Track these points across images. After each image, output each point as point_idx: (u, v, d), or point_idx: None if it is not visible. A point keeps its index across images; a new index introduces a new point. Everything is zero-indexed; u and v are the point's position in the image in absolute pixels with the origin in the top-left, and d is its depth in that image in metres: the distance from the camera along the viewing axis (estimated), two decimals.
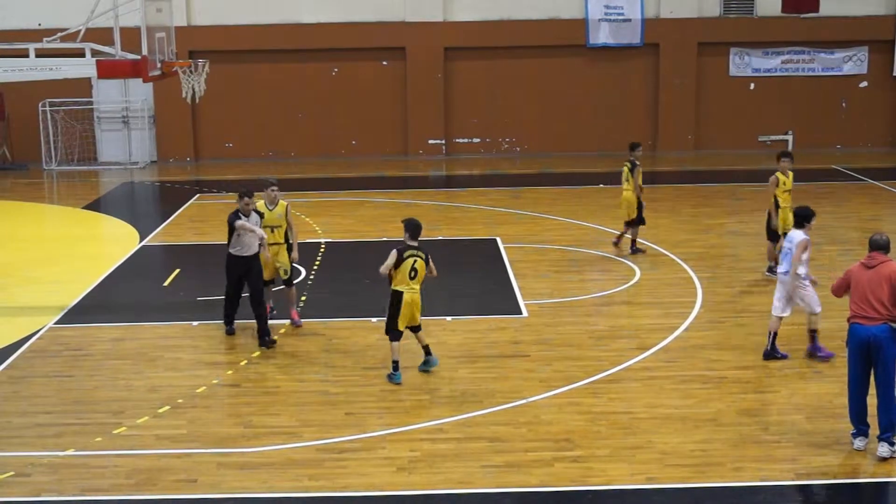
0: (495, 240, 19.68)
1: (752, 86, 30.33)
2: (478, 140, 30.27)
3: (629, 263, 17.83)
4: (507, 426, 11.28)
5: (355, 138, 30.04)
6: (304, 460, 10.48)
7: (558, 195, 24.35)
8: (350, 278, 17.35)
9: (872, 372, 10.47)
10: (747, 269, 17.78)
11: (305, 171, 27.93)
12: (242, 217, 13.71)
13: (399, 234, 13.11)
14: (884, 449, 10.35)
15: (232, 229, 13.74)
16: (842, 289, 10.94)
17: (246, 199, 13.83)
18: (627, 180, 18.24)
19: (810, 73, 30.40)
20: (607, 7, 29.46)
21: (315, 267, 17.90)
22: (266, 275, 14.32)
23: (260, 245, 13.85)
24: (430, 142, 29.95)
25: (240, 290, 14.15)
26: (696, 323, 14.72)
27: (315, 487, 9.89)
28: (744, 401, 11.95)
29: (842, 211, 22.61)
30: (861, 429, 10.62)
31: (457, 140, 30.20)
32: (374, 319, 14.72)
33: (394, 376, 12.48)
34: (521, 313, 15.24)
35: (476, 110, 30.03)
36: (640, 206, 18.24)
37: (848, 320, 10.64)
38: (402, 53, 29.49)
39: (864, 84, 30.50)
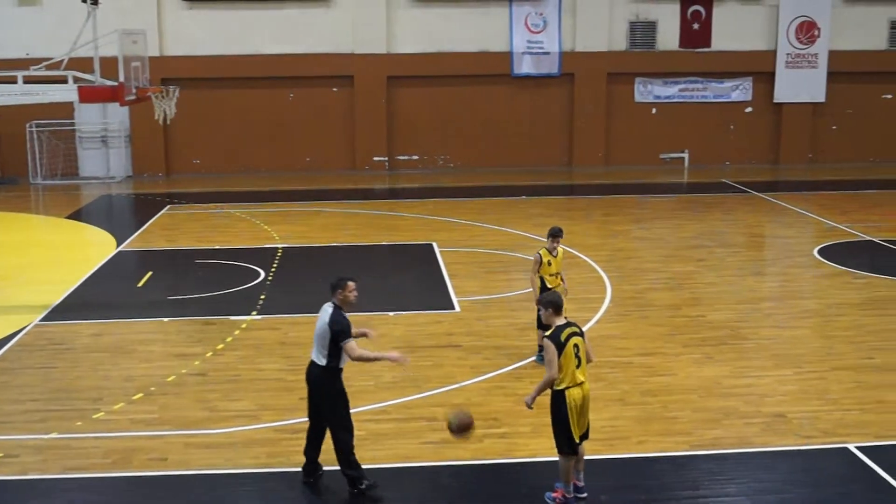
0: (432, 244, 19.68)
1: (654, 111, 30.62)
2: (417, 157, 30.24)
3: None
4: (443, 407, 11.23)
5: (309, 155, 29.87)
6: (263, 440, 10.39)
7: (487, 205, 24.40)
8: (304, 279, 17.24)
9: None
10: (650, 269, 17.95)
11: (264, 185, 27.69)
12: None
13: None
14: None
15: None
16: None
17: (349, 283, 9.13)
18: None
19: (704, 100, 30.74)
20: (529, 42, 29.60)
21: (273, 269, 17.75)
22: None
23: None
24: (375, 158, 29.87)
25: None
26: (605, 316, 14.83)
27: (274, 463, 9.81)
28: (647, 383, 12.05)
29: (730, 218, 22.89)
30: None
31: (398, 157, 30.14)
32: None
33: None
34: (454, 308, 15.24)
35: (415, 131, 30.00)
36: None
37: None
38: (350, 81, 29.37)
39: (749, 109, 30.92)
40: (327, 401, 9.14)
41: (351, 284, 9.08)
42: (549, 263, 12.56)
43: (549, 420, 8.93)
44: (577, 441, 8.84)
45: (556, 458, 9.01)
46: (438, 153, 30.28)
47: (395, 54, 29.35)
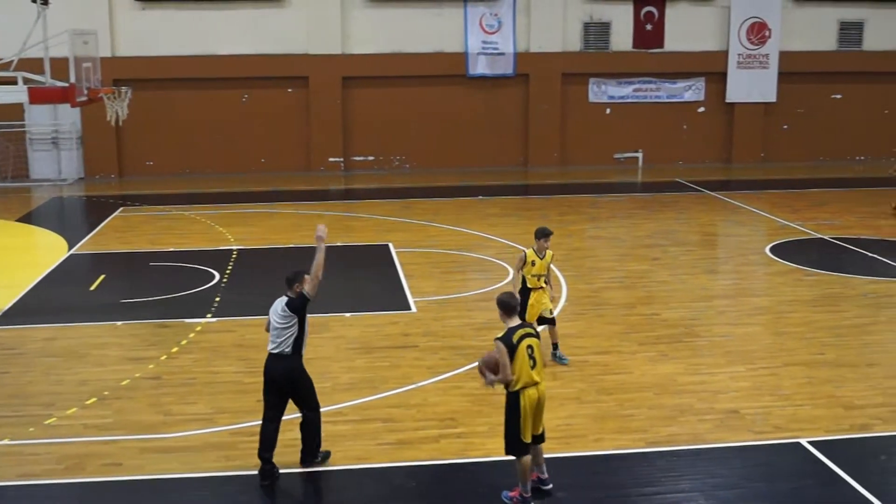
0: (387, 245, 19.66)
1: (608, 111, 30.83)
2: (372, 158, 30.18)
3: (504, 264, 17.96)
4: (399, 408, 11.27)
5: (263, 156, 29.68)
6: (219, 443, 10.31)
7: (443, 205, 24.42)
8: (260, 280, 17.13)
9: None
10: (605, 268, 18.08)
11: (219, 186, 27.47)
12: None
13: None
14: None
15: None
16: None
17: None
18: None
19: (657, 100, 31.02)
20: (484, 42, 29.67)
21: (228, 271, 17.63)
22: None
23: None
24: (331, 160, 29.77)
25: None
26: (562, 315, 14.88)
27: (230, 467, 9.74)
28: (603, 381, 12.13)
29: (684, 217, 23.11)
30: None
31: (354, 158, 30.06)
32: None
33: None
34: (410, 309, 15.23)
35: (371, 132, 29.94)
36: None
37: None
38: (305, 82, 29.25)
39: (701, 109, 31.25)
40: (305, 385, 9.56)
41: (307, 277, 9.35)
42: (534, 263, 12.46)
43: (503, 420, 8.97)
44: (528, 442, 8.86)
45: (511, 459, 9.03)
46: (394, 154, 30.24)
47: (349, 55, 29.28)
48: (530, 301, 12.43)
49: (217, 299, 15.72)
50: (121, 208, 24.35)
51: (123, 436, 10.52)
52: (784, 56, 30.73)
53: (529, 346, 8.78)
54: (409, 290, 16.28)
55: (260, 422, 9.58)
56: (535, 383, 8.81)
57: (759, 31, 30.55)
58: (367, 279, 17.34)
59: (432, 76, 29.70)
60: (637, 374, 12.42)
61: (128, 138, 28.78)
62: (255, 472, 9.47)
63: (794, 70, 30.86)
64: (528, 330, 8.95)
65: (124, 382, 12.09)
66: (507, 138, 30.45)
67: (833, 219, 22.39)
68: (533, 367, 8.77)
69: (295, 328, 9.36)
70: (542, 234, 12.62)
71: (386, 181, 28.41)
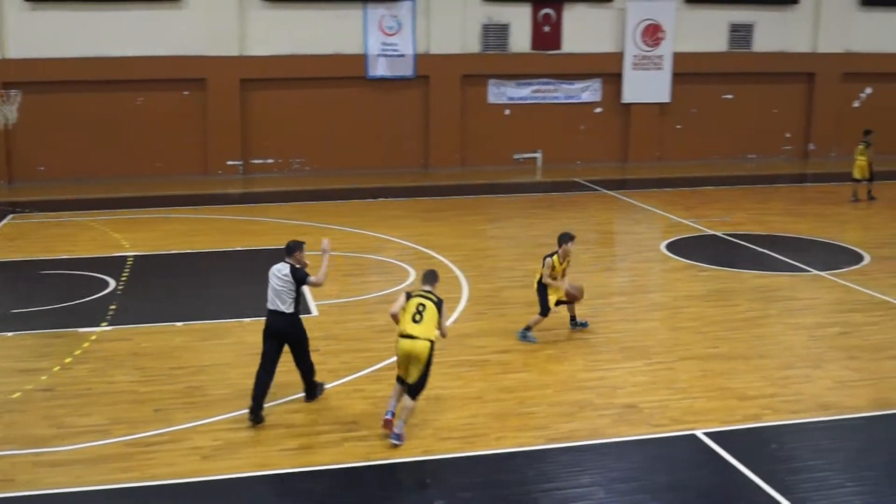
0: None
1: (508, 112, 31.10)
2: (272, 160, 29.86)
3: (405, 266, 17.97)
4: (301, 413, 11.18)
5: (159, 160, 29.07)
6: (114, 455, 10.06)
7: (344, 208, 24.31)
8: (156, 287, 16.81)
9: None
10: (505, 267, 18.23)
11: (113, 192, 26.80)
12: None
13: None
14: None
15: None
16: None
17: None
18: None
19: (555, 101, 31.40)
20: (384, 44, 29.63)
21: (124, 278, 17.23)
22: None
23: None
24: (229, 163, 29.35)
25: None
26: (462, 315, 14.97)
27: (125, 479, 9.52)
28: (503, 380, 12.24)
29: (582, 216, 23.46)
30: None
31: (253, 161, 29.69)
32: (179, 324, 14.35)
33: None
34: (311, 313, 15.10)
35: (270, 134, 29.62)
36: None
37: None
38: (202, 84, 28.78)
39: (598, 110, 31.76)
40: (302, 338, 11.07)
41: (304, 247, 11.10)
42: (554, 268, 13.56)
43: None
44: (398, 376, 10.48)
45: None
46: (294, 156, 29.98)
47: (248, 57, 28.91)
48: (549, 292, 13.68)
49: (112, 307, 15.35)
50: (11, 215, 23.58)
51: (15, 450, 10.19)
52: (678, 57, 31.44)
53: (421, 305, 10.31)
54: (309, 294, 16.13)
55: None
56: (406, 335, 10.22)
57: (653, 33, 31.18)
58: (267, 284, 17.07)
59: (332, 78, 29.55)
60: (537, 371, 12.56)
61: (18, 143, 27.89)
62: (152, 484, 9.31)
63: (688, 71, 31.60)
64: (430, 297, 10.40)
65: (15, 395, 11.71)
66: (408, 140, 30.48)
67: (725, 215, 23.00)
68: (413, 321, 10.22)
69: (294, 291, 10.82)
70: (570, 238, 13.69)
71: (286, 184, 28.14)
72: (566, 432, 10.67)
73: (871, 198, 25.12)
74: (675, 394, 11.81)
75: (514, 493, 9.31)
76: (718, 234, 21.00)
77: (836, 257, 18.88)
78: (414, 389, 10.31)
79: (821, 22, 32.37)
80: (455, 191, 27.23)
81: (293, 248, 11.07)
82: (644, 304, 15.76)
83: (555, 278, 13.65)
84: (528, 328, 13.76)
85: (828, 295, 16.35)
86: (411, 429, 10.60)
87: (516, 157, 31.27)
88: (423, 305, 10.26)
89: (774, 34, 32.25)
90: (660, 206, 24.14)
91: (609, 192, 26.67)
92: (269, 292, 10.94)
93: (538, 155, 31.33)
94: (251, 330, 14.21)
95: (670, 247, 19.74)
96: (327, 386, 11.78)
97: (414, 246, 19.52)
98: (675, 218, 22.78)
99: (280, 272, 10.93)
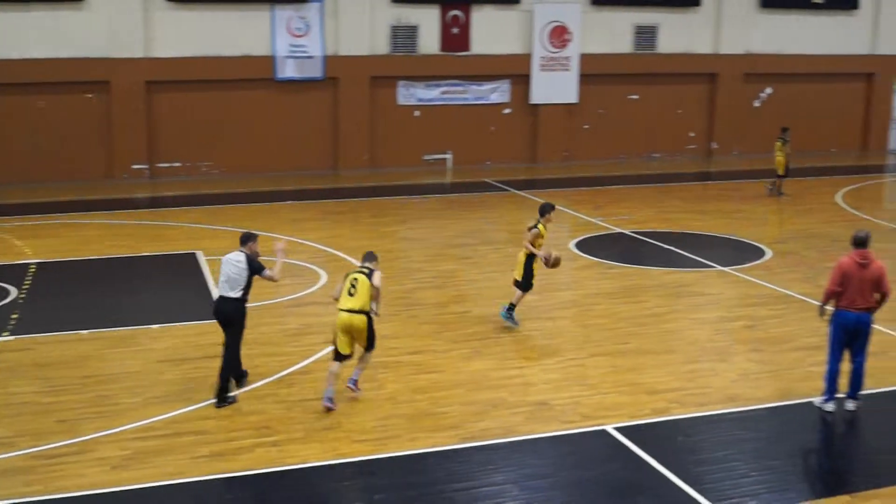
0: (195, 254, 19.14)
1: (417, 113, 31.12)
2: (179, 164, 29.35)
3: (315, 269, 17.85)
4: (213, 419, 11.03)
5: (62, 165, 28.29)
6: (18, 468, 9.77)
7: (253, 211, 24.03)
8: (60, 295, 16.39)
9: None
10: (416, 269, 18.24)
11: (13, 198, 25.91)
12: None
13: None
14: (851, 404, 11.31)
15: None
16: (836, 282, 11.10)
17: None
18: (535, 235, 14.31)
19: (464, 102, 31.53)
20: (292, 46, 29.38)
21: (26, 286, 16.74)
22: None
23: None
24: (134, 167, 28.74)
25: None
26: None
27: (29, 493, 9.25)
28: (417, 380, 12.26)
29: (493, 216, 23.61)
30: (832, 395, 11.31)
31: (160, 165, 29.13)
32: (84, 332, 14.02)
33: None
34: None
35: (177, 138, 29.11)
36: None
37: (837, 307, 11.15)
38: (106, 87, 28.14)
39: (507, 111, 32.00)
40: (240, 323, 11.44)
41: (258, 238, 11.69)
42: (542, 236, 14.21)
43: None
44: (339, 352, 11.15)
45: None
46: (202, 160, 29.51)
47: (154, 58, 28.36)
48: (534, 266, 14.34)
49: (14, 317, 14.90)
50: None
51: None
52: (584, 59, 31.85)
53: (355, 279, 11.11)
54: None
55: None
56: (345, 309, 11.02)
57: (560, 35, 31.53)
58: (175, 289, 16.86)
59: (240, 80, 29.18)
60: (450, 371, 12.60)
61: None
62: (58, 496, 9.09)
63: (594, 72, 32.05)
64: (364, 271, 11.23)
65: None
66: (317, 142, 30.28)
67: (632, 213, 23.40)
68: (350, 295, 11.03)
69: (247, 280, 11.29)
70: (552, 207, 14.48)
71: (194, 188, 27.69)
72: (479, 431, 10.73)
73: (780, 193, 25.93)
74: (586, 390, 11.98)
75: (428, 494, 9.33)
76: (626, 231, 21.35)
77: (739, 253, 19.38)
78: (368, 348, 11.39)
79: (722, 24, 33.18)
80: (365, 192, 27.13)
81: (247, 239, 11.62)
82: (554, 302, 15.94)
83: (538, 246, 14.13)
84: (512, 305, 14.28)
85: (732, 290, 16.76)
86: (323, 432, 10.56)
87: (426, 158, 31.31)
88: (357, 279, 11.12)
89: (678, 36, 32.94)
90: (568, 206, 24.44)
91: (518, 192, 26.90)
92: (221, 279, 11.37)
93: (448, 156, 31.43)
94: (159, 336, 13.99)
95: (579, 245, 20.00)
96: (237, 393, 11.65)
97: (324, 248, 19.41)
98: (583, 217, 23.09)
99: (235, 261, 11.36)
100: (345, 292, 11.13)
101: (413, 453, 10.20)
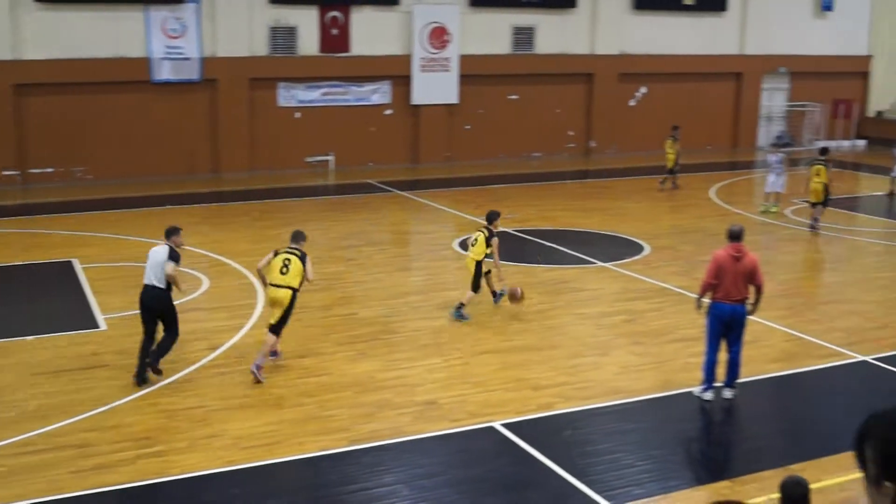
0: (71, 261, 18.55)
1: (298, 115, 30.86)
2: (52, 170, 28.40)
3: (197, 274, 17.53)
4: (94, 432, 10.73)
5: None
6: None
7: (131, 217, 23.41)
8: None
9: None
10: None
11: None
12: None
13: None
14: (728, 392, 11.63)
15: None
16: (712, 275, 11.38)
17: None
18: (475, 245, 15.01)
19: (346, 103, 31.42)
20: (168, 47, 28.76)
21: None
22: None
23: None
24: (5, 173, 27.70)
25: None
26: (259, 322, 14.74)
27: None
28: (303, 384, 12.17)
29: (376, 217, 23.60)
30: (710, 384, 11.56)
31: (32, 170, 28.13)
32: None
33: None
34: (99, 327, 14.51)
35: (50, 142, 28.17)
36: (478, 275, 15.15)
37: (713, 299, 11.40)
38: None
39: (389, 112, 32.01)
40: (171, 311, 12.18)
41: (181, 232, 12.61)
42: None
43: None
44: (271, 323, 12.31)
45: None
46: (76, 165, 28.61)
47: (22, 61, 27.38)
48: (484, 269, 15.07)
49: None
50: None
51: None
52: (464, 59, 32.11)
53: (287, 259, 12.26)
54: (97, 308, 15.50)
55: None
56: (274, 285, 12.19)
57: (439, 36, 31.70)
58: (50, 299, 16.32)
59: (114, 82, 28.41)
60: (337, 374, 12.55)
61: None
62: None
63: (474, 73, 32.33)
64: (296, 252, 12.36)
65: None
66: (196, 144, 29.72)
67: (514, 212, 23.68)
68: (281, 273, 12.15)
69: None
70: (499, 214, 15.44)
71: (69, 194, 26.83)
72: (368, 433, 10.72)
73: (674, 185, 27.20)
74: (472, 388, 12.08)
75: (319, 497, 9.28)
76: (509, 230, 21.60)
77: (618, 249, 19.83)
78: (275, 327, 12.26)
79: (597, 25, 33.91)
80: (247, 196, 26.74)
81: (171, 233, 12.55)
82: (439, 302, 16.01)
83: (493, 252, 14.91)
84: (461, 305, 14.81)
85: (612, 285, 17.15)
86: (209, 440, 10.39)
87: (308, 159, 31.08)
88: (289, 259, 12.24)
89: (555, 37, 33.51)
90: (451, 206, 24.60)
91: (401, 192, 26.94)
92: (147, 268, 12.18)
93: (330, 157, 31.26)
94: (34, 347, 13.53)
95: (463, 244, 20.16)
96: (120, 402, 11.36)
97: (206, 253, 19.06)
98: (466, 216, 23.27)
99: (162, 249, 12.25)
100: (277, 270, 12.16)
101: (301, 458, 10.12)
